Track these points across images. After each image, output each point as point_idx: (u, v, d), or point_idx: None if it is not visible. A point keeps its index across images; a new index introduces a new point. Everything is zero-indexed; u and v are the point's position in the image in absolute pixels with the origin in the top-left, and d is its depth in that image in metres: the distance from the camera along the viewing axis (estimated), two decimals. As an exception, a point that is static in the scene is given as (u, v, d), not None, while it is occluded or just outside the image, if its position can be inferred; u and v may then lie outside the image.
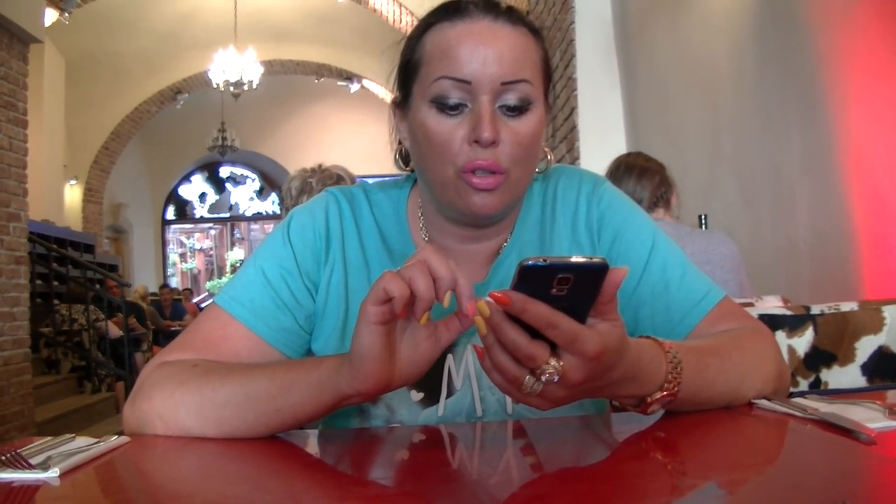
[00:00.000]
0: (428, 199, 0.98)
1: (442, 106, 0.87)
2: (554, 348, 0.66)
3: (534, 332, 0.65)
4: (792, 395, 0.93)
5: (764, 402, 0.84)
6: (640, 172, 2.44)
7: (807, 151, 2.72)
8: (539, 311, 0.63)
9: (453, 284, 0.71)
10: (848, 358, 1.29)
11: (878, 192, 2.35)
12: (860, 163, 2.44)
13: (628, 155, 2.61)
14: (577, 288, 0.63)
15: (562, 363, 0.65)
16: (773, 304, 1.66)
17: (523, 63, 0.87)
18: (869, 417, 0.72)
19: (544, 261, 0.61)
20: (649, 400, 0.77)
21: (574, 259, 0.62)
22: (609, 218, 0.99)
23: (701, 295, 0.95)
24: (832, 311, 1.31)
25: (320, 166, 2.54)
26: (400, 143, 0.99)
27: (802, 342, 1.30)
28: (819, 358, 1.30)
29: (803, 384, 1.30)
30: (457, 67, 0.86)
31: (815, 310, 1.32)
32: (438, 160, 0.89)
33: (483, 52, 0.86)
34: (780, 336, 1.29)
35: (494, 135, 0.85)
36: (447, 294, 0.72)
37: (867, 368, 1.29)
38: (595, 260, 0.62)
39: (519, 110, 0.87)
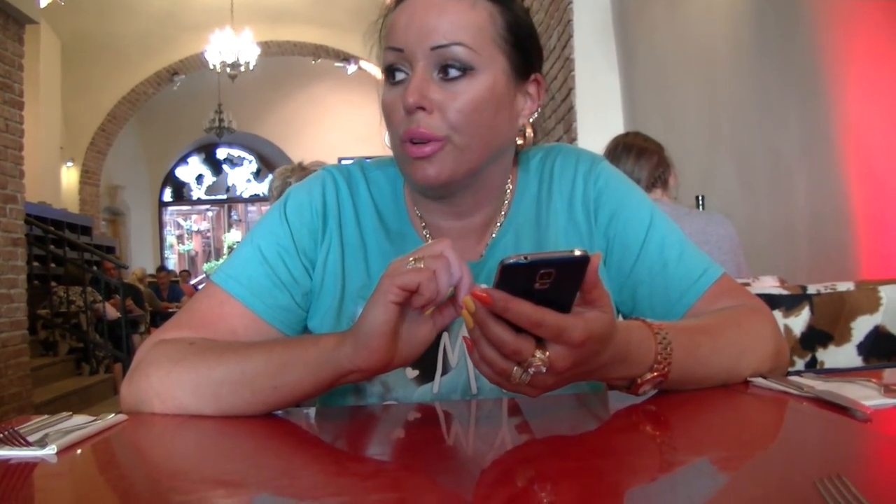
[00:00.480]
0: None
1: (388, 77, 0.89)
2: (539, 339, 0.66)
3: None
4: (788, 374, 0.93)
5: (760, 380, 0.84)
6: (638, 152, 2.43)
7: (805, 133, 2.72)
8: (522, 310, 0.64)
9: (460, 280, 0.73)
10: (844, 338, 1.30)
11: (876, 174, 2.35)
12: (858, 145, 2.44)
13: (626, 135, 2.60)
14: (559, 280, 0.63)
15: (547, 353, 0.66)
16: (769, 285, 1.66)
17: (457, 27, 0.86)
18: (864, 395, 0.72)
19: (525, 258, 0.62)
20: (639, 381, 0.78)
21: (554, 254, 0.63)
22: (606, 197, 0.99)
23: (699, 273, 0.95)
24: (828, 290, 1.31)
25: (300, 164, 2.59)
26: None
27: (799, 322, 1.30)
28: (815, 337, 1.30)
29: (799, 363, 1.30)
30: (394, 37, 0.88)
31: (812, 290, 1.32)
32: (390, 131, 0.90)
33: (418, 20, 0.87)
34: (777, 315, 1.29)
35: (418, 100, 0.85)
36: (450, 288, 0.73)
37: (863, 348, 1.29)
38: (575, 253, 0.62)
39: (457, 75, 0.86)
